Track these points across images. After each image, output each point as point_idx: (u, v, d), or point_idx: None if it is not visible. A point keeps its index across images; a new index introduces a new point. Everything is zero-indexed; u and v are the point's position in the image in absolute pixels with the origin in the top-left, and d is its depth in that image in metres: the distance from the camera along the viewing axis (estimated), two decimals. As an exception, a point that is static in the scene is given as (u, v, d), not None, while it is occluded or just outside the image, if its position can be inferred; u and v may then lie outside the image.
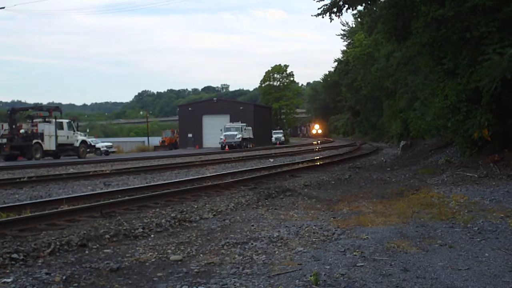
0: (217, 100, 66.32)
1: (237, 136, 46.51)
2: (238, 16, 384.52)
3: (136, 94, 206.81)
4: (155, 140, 62.07)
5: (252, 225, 6.96)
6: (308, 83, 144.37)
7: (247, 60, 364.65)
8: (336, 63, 72.44)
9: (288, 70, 79.69)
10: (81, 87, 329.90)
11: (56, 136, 30.32)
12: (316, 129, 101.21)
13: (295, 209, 8.54)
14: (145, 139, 67.72)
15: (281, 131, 71.27)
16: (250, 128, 51.92)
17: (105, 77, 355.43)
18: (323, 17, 16.10)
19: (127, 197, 9.38)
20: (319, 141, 67.38)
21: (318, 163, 19.66)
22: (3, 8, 40.13)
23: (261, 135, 58.30)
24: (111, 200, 8.92)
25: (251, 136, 51.38)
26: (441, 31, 12.85)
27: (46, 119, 30.90)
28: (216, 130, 50.26)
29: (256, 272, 4.58)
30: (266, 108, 71.30)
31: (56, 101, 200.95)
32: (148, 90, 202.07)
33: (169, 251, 5.59)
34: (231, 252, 5.42)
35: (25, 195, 11.03)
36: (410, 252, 5.15)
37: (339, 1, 15.98)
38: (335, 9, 16.05)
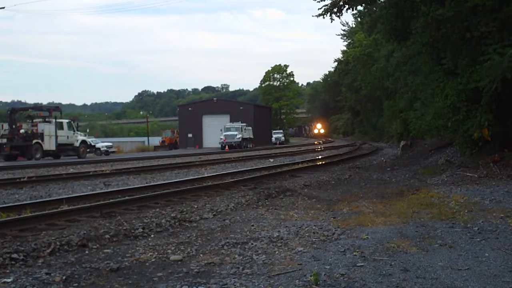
0: (217, 100, 66.35)
1: (237, 136, 46.51)
2: (237, 16, 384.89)
3: (136, 94, 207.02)
4: (155, 140, 62.04)
5: (252, 225, 6.96)
6: (308, 83, 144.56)
7: (247, 60, 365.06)
8: (336, 63, 72.59)
9: (288, 70, 79.82)
10: (81, 87, 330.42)
11: (56, 136, 30.31)
12: (318, 128, 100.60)
13: (295, 209, 8.54)
14: (145, 139, 67.68)
15: (281, 131, 71.28)
16: (250, 128, 51.91)
17: (105, 77, 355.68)
18: (323, 17, 16.09)
19: (127, 197, 9.38)
20: (320, 141, 67.33)
21: (318, 163, 19.65)
22: (3, 8, 40.12)
23: (261, 135, 58.28)
24: (111, 200, 8.92)
25: (251, 136, 51.37)
26: (441, 31, 12.83)
27: (46, 119, 30.90)
28: (216, 130, 50.25)
29: (256, 272, 4.58)
30: (266, 108, 71.30)
31: (56, 101, 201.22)
32: (148, 90, 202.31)
33: (169, 251, 5.59)
34: (231, 252, 5.42)
35: (25, 195, 11.03)
36: (410, 252, 5.15)
37: (339, 1, 15.96)
38: (335, 10, 16.03)
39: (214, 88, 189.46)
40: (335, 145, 48.30)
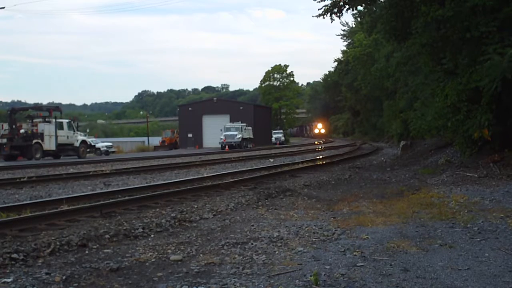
0: (217, 100, 66.34)
1: (237, 136, 46.54)
2: (237, 16, 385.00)
3: (136, 94, 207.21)
4: (155, 140, 62.01)
5: (252, 225, 6.96)
6: (308, 83, 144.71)
7: (247, 60, 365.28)
8: (336, 63, 72.64)
9: (288, 70, 79.86)
10: (81, 87, 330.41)
11: (56, 136, 30.33)
12: (319, 128, 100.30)
13: (295, 209, 8.54)
14: (145, 139, 67.66)
15: (281, 131, 71.29)
16: (250, 128, 51.94)
17: (105, 77, 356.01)
18: (324, 17, 16.09)
19: (127, 197, 9.38)
20: (320, 141, 67.31)
21: (318, 163, 19.64)
22: (3, 8, 40.13)
23: (261, 135, 58.31)
24: (111, 200, 8.92)
25: (251, 136, 51.40)
26: (441, 31, 12.83)
27: (46, 119, 30.92)
28: (216, 130, 50.28)
29: (256, 272, 4.58)
30: (266, 108, 71.33)
31: (56, 101, 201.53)
32: (148, 90, 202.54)
33: (169, 251, 5.59)
34: (231, 252, 5.42)
35: (25, 195, 11.02)
36: (410, 252, 5.15)
37: (339, 1, 15.96)
38: (335, 10, 16.03)
39: (214, 88, 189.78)
40: (335, 145, 48.31)
